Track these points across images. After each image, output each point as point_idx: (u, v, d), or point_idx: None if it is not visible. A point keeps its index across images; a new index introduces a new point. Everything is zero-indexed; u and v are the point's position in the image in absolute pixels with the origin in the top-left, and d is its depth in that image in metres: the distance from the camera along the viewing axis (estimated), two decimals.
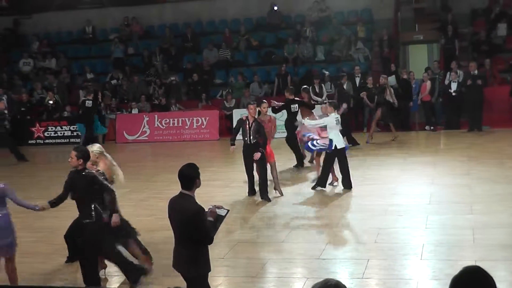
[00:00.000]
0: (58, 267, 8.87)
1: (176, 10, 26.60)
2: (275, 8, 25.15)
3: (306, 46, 23.77)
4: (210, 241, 5.91)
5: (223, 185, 13.47)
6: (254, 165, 12.23)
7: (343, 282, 3.40)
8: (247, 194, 12.45)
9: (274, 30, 25.10)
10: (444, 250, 8.68)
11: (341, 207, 11.47)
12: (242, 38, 24.83)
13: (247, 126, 11.96)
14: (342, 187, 12.58)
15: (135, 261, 8.32)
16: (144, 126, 22.02)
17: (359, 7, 24.96)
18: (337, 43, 23.72)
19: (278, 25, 25.08)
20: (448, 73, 20.42)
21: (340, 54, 23.55)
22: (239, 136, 12.33)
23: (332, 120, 12.36)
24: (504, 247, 8.57)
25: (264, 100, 13.56)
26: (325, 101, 13.93)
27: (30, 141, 22.27)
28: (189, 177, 5.90)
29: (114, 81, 24.22)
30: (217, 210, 6.02)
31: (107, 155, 8.57)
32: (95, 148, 8.26)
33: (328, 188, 12.72)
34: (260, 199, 12.01)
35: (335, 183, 12.92)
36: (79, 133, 20.85)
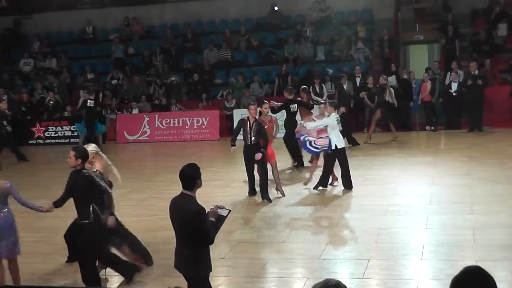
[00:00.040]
0: (59, 267, 8.87)
1: (176, 10, 26.62)
2: (276, 8, 25.16)
3: (306, 46, 23.78)
4: (211, 241, 5.91)
5: (223, 185, 13.47)
6: (255, 165, 12.23)
7: (344, 282, 3.40)
8: (247, 194, 12.45)
9: (275, 30, 25.10)
10: (445, 250, 8.68)
11: (342, 207, 11.47)
12: (242, 38, 24.84)
13: (248, 126, 11.96)
14: (343, 187, 12.58)
15: (127, 260, 8.36)
16: (145, 126, 22.03)
17: (359, 7, 24.96)
18: (338, 43, 23.73)
19: (278, 25, 25.09)
20: (449, 73, 20.42)
21: (341, 54, 23.56)
22: (240, 137, 12.32)
23: (333, 120, 12.36)
24: (505, 247, 8.57)
25: (265, 101, 13.55)
26: (322, 102, 13.87)
27: (30, 141, 22.28)
28: (190, 177, 5.90)
29: (114, 81, 24.23)
30: (218, 210, 6.02)
31: (103, 155, 8.58)
32: (90, 148, 8.27)
33: (328, 188, 12.72)
34: (260, 199, 12.01)
35: (335, 183, 12.92)
36: (80, 133, 20.81)
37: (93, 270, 7.80)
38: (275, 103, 15.24)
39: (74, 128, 21.71)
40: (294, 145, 15.00)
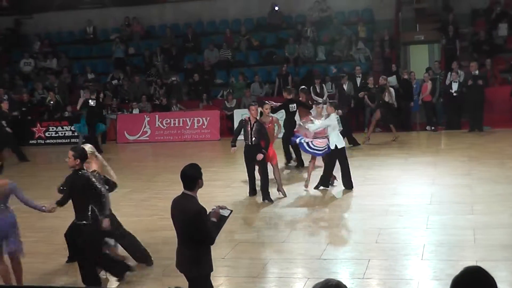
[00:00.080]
0: (59, 267, 8.88)
1: (176, 10, 26.62)
2: (276, 8, 25.15)
3: (307, 46, 23.77)
4: (212, 241, 5.92)
5: (224, 185, 13.47)
6: (256, 166, 12.21)
7: (344, 282, 3.40)
8: (248, 195, 12.45)
9: (275, 30, 25.10)
10: (445, 250, 8.68)
11: (342, 207, 11.47)
12: (243, 38, 24.83)
13: (249, 127, 11.95)
14: (343, 187, 12.58)
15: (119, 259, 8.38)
16: (145, 126, 22.03)
17: (360, 7, 24.96)
18: (338, 43, 23.72)
19: (279, 25, 25.08)
20: (449, 73, 20.41)
21: (341, 54, 23.55)
22: (241, 137, 12.31)
23: (334, 120, 12.38)
24: (505, 247, 8.57)
25: (267, 101, 13.50)
26: (320, 102, 13.83)
27: (31, 141, 22.28)
28: (192, 177, 5.91)
29: (115, 81, 24.23)
30: (220, 210, 6.03)
31: (98, 155, 8.59)
32: (86, 148, 8.27)
33: (329, 188, 12.72)
34: (261, 200, 12.01)
35: (335, 183, 12.91)
36: (81, 133, 20.78)
37: (93, 270, 7.80)
38: (274, 103, 15.24)
39: (74, 128, 21.70)
40: (291, 146, 15.00)
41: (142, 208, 12.09)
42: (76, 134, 21.54)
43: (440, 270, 7.89)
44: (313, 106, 13.75)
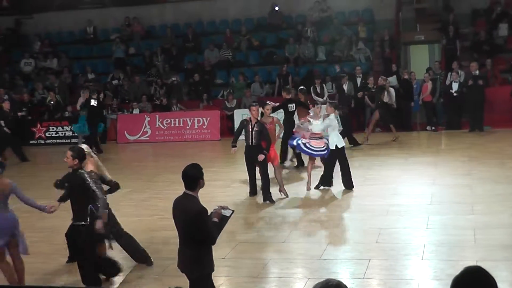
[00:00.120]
0: (59, 267, 8.89)
1: (177, 10, 26.63)
2: (276, 8, 25.15)
3: (307, 46, 23.77)
4: (213, 241, 5.92)
5: (224, 186, 13.47)
6: (256, 166, 12.19)
7: (344, 282, 3.40)
8: (248, 195, 12.45)
9: (275, 30, 25.10)
10: (445, 250, 8.68)
11: (342, 207, 11.47)
12: (243, 38, 24.83)
13: (250, 127, 11.94)
14: (343, 187, 12.57)
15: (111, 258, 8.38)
16: (145, 126, 22.03)
17: (360, 7, 24.96)
18: (338, 43, 23.72)
19: (279, 25, 25.09)
20: (449, 73, 20.40)
21: (341, 54, 23.55)
22: (242, 137, 12.29)
23: (334, 120, 12.39)
24: (505, 247, 8.57)
25: (268, 102, 13.44)
26: (318, 103, 13.81)
27: (31, 141, 22.27)
28: (193, 177, 5.91)
29: (115, 81, 24.23)
30: (222, 211, 6.04)
31: (93, 155, 8.58)
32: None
33: (330, 187, 12.72)
34: (261, 200, 12.00)
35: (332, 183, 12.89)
36: (80, 134, 20.76)
37: (93, 270, 7.81)
38: (272, 103, 15.23)
39: (72, 129, 21.64)
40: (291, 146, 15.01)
41: (142, 208, 12.09)
42: (76, 134, 21.52)
43: (441, 270, 7.89)
44: (313, 106, 13.68)
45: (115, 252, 8.96)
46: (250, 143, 11.97)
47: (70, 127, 22.10)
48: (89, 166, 8.23)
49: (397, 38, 23.57)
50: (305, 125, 12.64)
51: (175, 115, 22.05)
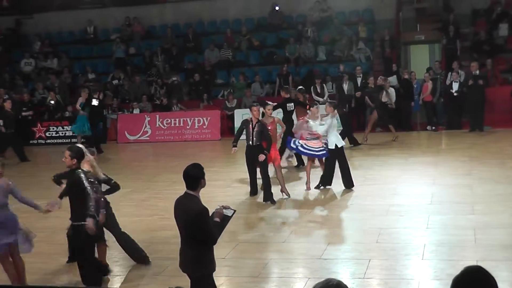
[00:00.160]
0: (60, 267, 8.89)
1: (177, 10, 26.64)
2: (277, 8, 25.16)
3: (307, 46, 23.77)
4: (214, 241, 5.93)
5: (224, 185, 13.47)
6: (257, 167, 12.17)
7: (345, 282, 3.39)
8: (248, 194, 12.45)
9: (276, 30, 25.11)
10: (446, 250, 8.68)
11: (342, 207, 11.47)
12: (243, 38, 24.84)
13: (250, 127, 11.92)
14: (343, 187, 12.57)
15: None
16: (146, 126, 22.04)
17: (360, 7, 24.96)
18: (339, 43, 23.73)
19: (279, 25, 25.09)
20: (450, 73, 20.40)
21: (342, 54, 23.56)
22: (243, 137, 12.28)
23: (334, 120, 12.39)
24: (506, 247, 8.57)
25: (269, 102, 13.40)
26: (316, 103, 13.78)
27: (31, 141, 22.28)
28: (194, 177, 5.91)
29: (115, 81, 24.24)
30: (224, 210, 6.04)
31: (88, 154, 8.56)
32: None
33: (331, 187, 12.72)
34: (261, 200, 12.00)
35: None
36: (79, 134, 20.71)
37: (93, 270, 7.80)
38: (270, 103, 15.22)
39: (70, 129, 21.61)
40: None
41: (143, 208, 12.09)
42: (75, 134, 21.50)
43: (441, 270, 7.89)
44: (310, 106, 13.64)
45: (115, 252, 8.98)
46: (251, 143, 11.95)
47: (70, 127, 22.08)
48: (85, 166, 8.22)
49: (397, 38, 23.58)
50: (304, 126, 12.64)
51: (176, 115, 22.05)
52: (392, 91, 19.47)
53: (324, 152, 12.43)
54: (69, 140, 21.85)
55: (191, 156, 16.77)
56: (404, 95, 20.23)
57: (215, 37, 25.45)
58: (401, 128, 19.71)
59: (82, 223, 7.51)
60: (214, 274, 6.18)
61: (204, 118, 21.71)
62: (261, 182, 12.17)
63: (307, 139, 12.53)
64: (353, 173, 12.77)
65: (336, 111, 12.82)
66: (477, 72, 19.57)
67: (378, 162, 15.38)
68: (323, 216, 11.08)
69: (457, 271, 3.38)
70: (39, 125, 22.61)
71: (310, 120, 12.58)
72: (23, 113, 21.08)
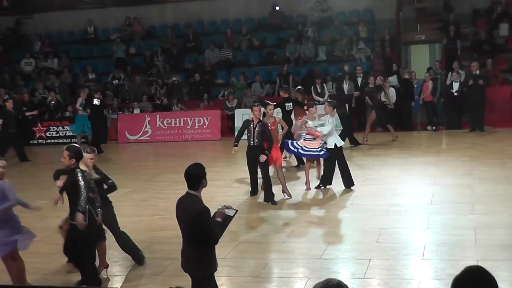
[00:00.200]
0: (60, 267, 8.88)
1: (177, 10, 26.64)
2: (277, 8, 25.16)
3: (307, 46, 23.77)
4: (215, 241, 5.93)
5: (225, 185, 13.47)
6: (258, 167, 12.16)
7: (345, 282, 3.40)
8: (249, 194, 12.45)
9: (276, 30, 25.10)
10: (446, 250, 8.68)
11: (342, 207, 11.46)
12: (243, 38, 24.84)
13: (252, 127, 11.91)
14: (343, 187, 12.57)
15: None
16: (146, 126, 22.04)
17: (361, 7, 24.96)
18: (339, 43, 23.72)
19: (279, 25, 25.09)
20: (450, 73, 20.40)
21: (342, 54, 23.56)
22: (244, 137, 12.27)
23: (334, 120, 12.41)
24: (506, 247, 8.57)
25: (270, 102, 13.37)
26: (311, 103, 13.77)
27: (32, 141, 22.28)
28: (196, 177, 5.91)
29: (116, 81, 24.25)
30: (226, 210, 6.04)
31: (85, 155, 8.55)
32: None
33: (331, 186, 12.72)
34: (261, 199, 12.00)
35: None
36: (84, 133, 20.69)
37: (93, 270, 7.80)
38: (271, 103, 15.22)
39: (69, 129, 21.60)
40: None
41: (143, 208, 12.09)
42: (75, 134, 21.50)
43: (441, 270, 7.89)
44: (307, 106, 13.61)
45: (115, 252, 8.98)
46: (252, 144, 11.93)
47: (69, 127, 22.08)
48: (82, 166, 8.21)
49: (397, 38, 23.57)
50: (303, 126, 12.66)
51: (176, 115, 22.05)
52: (392, 91, 19.47)
53: (324, 152, 12.43)
54: (69, 140, 21.83)
55: (192, 156, 16.78)
56: (405, 95, 20.23)
57: (215, 37, 25.45)
58: (402, 128, 19.71)
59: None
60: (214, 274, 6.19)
61: (205, 118, 21.71)
62: (262, 182, 12.17)
63: (305, 140, 12.53)
64: (353, 173, 12.77)
65: (335, 110, 12.83)
66: (478, 72, 19.57)
67: (378, 162, 15.38)
68: (323, 216, 11.08)
69: (457, 271, 3.38)
70: (39, 125, 22.61)
71: (309, 120, 12.58)
72: (27, 113, 21.04)
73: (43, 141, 22.54)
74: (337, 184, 12.74)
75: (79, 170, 7.58)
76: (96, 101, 19.73)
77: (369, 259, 8.42)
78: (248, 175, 12.47)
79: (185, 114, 22.11)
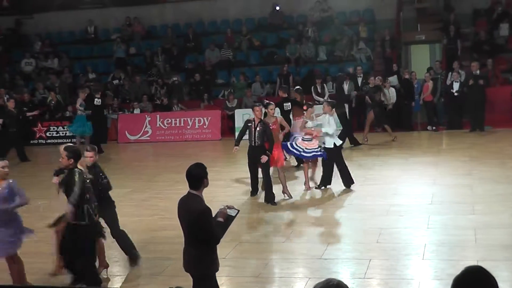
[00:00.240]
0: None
1: (177, 10, 26.63)
2: (277, 8, 25.15)
3: (308, 46, 23.76)
4: (217, 241, 5.93)
5: (225, 185, 13.46)
6: (259, 167, 12.15)
7: (345, 282, 3.40)
8: (249, 194, 12.44)
9: (276, 30, 25.09)
10: (446, 250, 8.68)
11: (342, 207, 11.46)
12: (244, 38, 24.83)
13: (253, 127, 11.89)
14: (343, 187, 12.57)
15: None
16: (146, 126, 22.03)
17: (361, 7, 24.95)
18: (339, 43, 23.72)
19: (280, 25, 25.08)
20: (450, 73, 20.39)
21: (342, 54, 23.55)
22: (246, 137, 12.26)
23: (332, 119, 12.41)
24: (506, 247, 8.57)
25: (271, 102, 13.34)
26: (310, 104, 13.76)
27: (32, 141, 22.27)
28: (197, 176, 5.91)
29: (116, 81, 24.24)
30: (228, 210, 6.04)
31: (85, 153, 8.56)
32: None
33: (331, 186, 12.72)
34: (261, 199, 12.00)
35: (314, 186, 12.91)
36: (84, 133, 20.64)
37: (93, 270, 7.80)
38: (272, 102, 15.21)
39: (68, 129, 21.57)
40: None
41: (143, 208, 12.09)
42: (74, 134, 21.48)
43: (441, 270, 7.89)
44: (305, 106, 13.60)
45: (115, 252, 8.98)
46: (253, 144, 11.91)
47: (69, 127, 22.06)
48: (79, 166, 8.21)
49: (398, 38, 23.56)
50: (302, 126, 12.67)
51: (176, 115, 22.04)
52: (391, 91, 19.46)
53: (320, 152, 12.44)
54: (70, 140, 21.73)
55: (192, 156, 16.76)
56: (405, 95, 20.22)
57: (216, 37, 25.44)
58: (402, 128, 19.70)
59: (82, 222, 7.51)
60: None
61: (205, 118, 21.70)
62: (262, 182, 12.16)
63: (304, 140, 12.53)
64: (353, 173, 12.77)
65: (334, 110, 12.83)
66: (478, 72, 19.56)
67: (379, 162, 15.37)
68: (324, 216, 11.08)
69: (457, 271, 3.38)
70: (39, 125, 22.60)
71: (308, 120, 12.59)
72: (28, 113, 21.05)
73: (43, 141, 22.52)
74: (337, 184, 12.74)
75: (77, 170, 7.58)
76: (97, 101, 19.73)
77: (369, 259, 8.43)
78: (248, 175, 12.46)
79: (185, 114, 22.10)
